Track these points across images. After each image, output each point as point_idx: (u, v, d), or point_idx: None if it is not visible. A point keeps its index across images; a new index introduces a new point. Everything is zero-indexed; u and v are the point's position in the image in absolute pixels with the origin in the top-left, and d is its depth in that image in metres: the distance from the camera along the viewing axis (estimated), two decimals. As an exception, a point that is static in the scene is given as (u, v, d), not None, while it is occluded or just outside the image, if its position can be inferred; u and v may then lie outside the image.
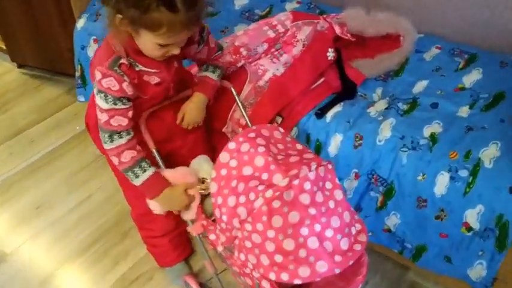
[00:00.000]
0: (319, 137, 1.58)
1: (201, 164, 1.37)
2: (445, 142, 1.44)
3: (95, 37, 2.01)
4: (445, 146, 1.43)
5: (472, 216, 1.36)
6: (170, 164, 1.37)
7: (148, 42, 1.15)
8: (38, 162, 2.20)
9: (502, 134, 1.43)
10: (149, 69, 1.24)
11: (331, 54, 1.71)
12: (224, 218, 1.12)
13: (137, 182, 1.27)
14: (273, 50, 1.70)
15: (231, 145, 1.15)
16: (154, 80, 1.26)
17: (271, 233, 1.07)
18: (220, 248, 1.21)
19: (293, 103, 1.62)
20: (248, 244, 1.12)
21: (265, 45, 1.70)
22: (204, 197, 1.32)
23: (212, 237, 1.23)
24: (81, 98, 2.21)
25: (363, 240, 1.17)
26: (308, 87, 1.66)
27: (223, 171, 1.13)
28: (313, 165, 1.10)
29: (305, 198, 1.08)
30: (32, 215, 1.95)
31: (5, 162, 2.21)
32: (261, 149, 1.11)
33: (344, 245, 1.12)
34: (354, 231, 1.17)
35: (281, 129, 1.24)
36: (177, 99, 1.40)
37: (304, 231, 1.07)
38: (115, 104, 1.19)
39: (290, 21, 1.74)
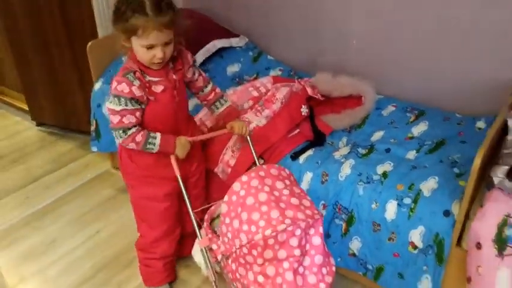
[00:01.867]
0: (294, 175, 1.90)
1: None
2: (393, 177, 1.77)
3: (109, 97, 2.39)
4: (394, 180, 1.76)
5: (416, 236, 1.66)
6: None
7: (137, 47, 1.49)
8: (51, 205, 2.49)
9: (440, 171, 1.77)
10: (154, 78, 1.57)
11: (304, 110, 2.09)
12: (229, 235, 1.43)
13: (156, 149, 1.59)
14: (256, 106, 2.08)
15: (244, 178, 1.47)
16: (160, 88, 1.58)
17: (260, 260, 1.38)
18: (219, 256, 1.50)
19: (273, 148, 1.97)
20: (241, 260, 1.41)
21: (251, 102, 2.08)
22: (214, 218, 1.64)
23: (214, 247, 1.53)
24: (95, 149, 2.55)
25: (328, 281, 1.47)
26: (285, 136, 2.02)
27: (234, 198, 1.45)
28: (309, 220, 1.41)
29: (294, 242, 1.39)
30: (43, 250, 2.20)
31: (22, 205, 2.50)
32: (267, 188, 1.44)
33: (311, 280, 1.42)
34: (324, 271, 1.47)
35: (287, 171, 1.57)
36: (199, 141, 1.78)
37: (286, 265, 1.38)
38: (126, 105, 1.50)
39: (271, 84, 2.14)
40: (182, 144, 1.62)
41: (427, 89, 2.26)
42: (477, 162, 1.44)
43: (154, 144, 1.58)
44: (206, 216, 1.66)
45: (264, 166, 1.54)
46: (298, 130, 2.07)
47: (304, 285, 1.37)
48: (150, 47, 1.49)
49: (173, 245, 1.88)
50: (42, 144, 3.04)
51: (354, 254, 1.85)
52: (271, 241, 1.34)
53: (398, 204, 1.70)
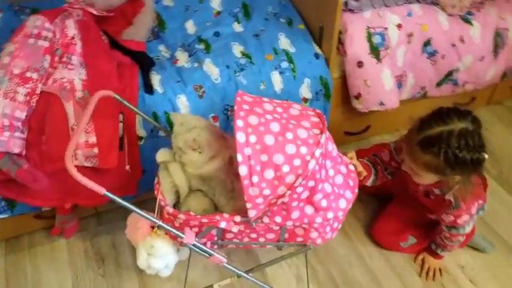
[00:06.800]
0: (165, 108, 1.57)
1: None
2: (256, 53, 1.70)
3: None
4: (258, 55, 1.70)
5: (304, 90, 1.73)
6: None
7: None
8: None
9: (276, 27, 1.80)
10: None
11: (105, 37, 1.64)
12: (267, 192, 1.11)
13: None
14: (56, 58, 1.48)
15: (239, 123, 1.09)
16: None
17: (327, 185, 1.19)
18: (235, 229, 1.20)
19: (122, 96, 1.52)
20: (294, 203, 1.15)
21: (48, 57, 1.46)
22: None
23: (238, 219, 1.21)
24: None
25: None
26: (116, 75, 1.57)
27: (247, 151, 1.09)
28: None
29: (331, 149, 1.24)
30: None
31: None
32: (268, 116, 1.12)
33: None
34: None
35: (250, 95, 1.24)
36: None
37: (331, 172, 1.25)
38: None
39: (48, 23, 1.52)
40: None
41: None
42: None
43: None
44: (170, 211, 1.24)
45: (238, 98, 1.19)
46: (115, 63, 1.64)
47: (344, 184, 1.28)
48: None
49: None
50: None
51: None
52: (320, 159, 1.16)
53: (280, 72, 1.68)
